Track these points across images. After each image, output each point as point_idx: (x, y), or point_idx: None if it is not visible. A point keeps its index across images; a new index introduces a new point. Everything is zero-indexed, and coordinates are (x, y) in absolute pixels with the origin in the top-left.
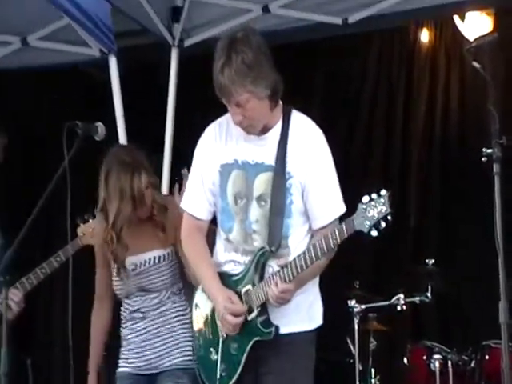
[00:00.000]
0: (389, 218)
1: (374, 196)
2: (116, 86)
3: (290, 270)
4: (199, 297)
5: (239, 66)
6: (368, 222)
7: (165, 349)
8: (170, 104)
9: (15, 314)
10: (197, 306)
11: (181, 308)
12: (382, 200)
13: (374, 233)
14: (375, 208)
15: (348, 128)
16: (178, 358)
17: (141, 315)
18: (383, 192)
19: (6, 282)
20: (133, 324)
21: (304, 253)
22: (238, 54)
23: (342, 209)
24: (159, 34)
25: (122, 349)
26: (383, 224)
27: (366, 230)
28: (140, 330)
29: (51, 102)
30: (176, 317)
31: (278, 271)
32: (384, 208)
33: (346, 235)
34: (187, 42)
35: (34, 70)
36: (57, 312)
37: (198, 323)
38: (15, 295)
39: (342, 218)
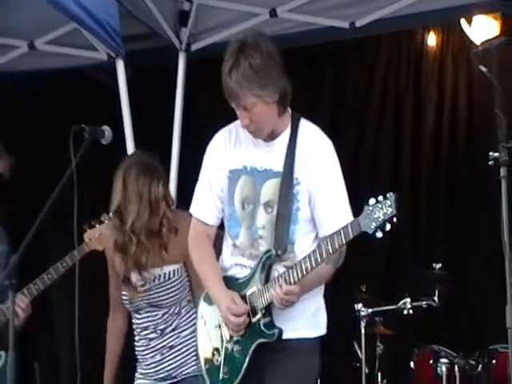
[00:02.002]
0: (394, 220)
1: (380, 198)
2: (123, 90)
3: (295, 272)
4: (202, 307)
5: (246, 70)
6: (373, 224)
7: (182, 358)
8: (177, 108)
9: (22, 320)
10: (201, 316)
11: (193, 317)
12: (389, 202)
13: (379, 234)
14: (381, 210)
15: (356, 132)
16: (193, 365)
17: (156, 335)
18: (390, 194)
19: (13, 286)
20: (148, 341)
21: (309, 255)
22: (246, 58)
23: (348, 218)
24: (167, 38)
25: (138, 363)
26: (388, 226)
27: (370, 232)
28: (155, 346)
29: (58, 106)
30: (190, 327)
31: (284, 273)
32: (390, 210)
33: (351, 236)
34: (194, 46)
35: (41, 74)
36: (64, 315)
37: (202, 334)
38: (22, 302)
39: None
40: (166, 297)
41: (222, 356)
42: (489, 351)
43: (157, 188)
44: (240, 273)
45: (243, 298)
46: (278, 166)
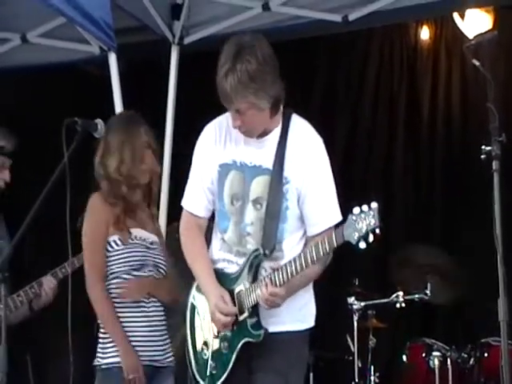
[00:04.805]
0: (377, 231)
1: (364, 208)
2: (116, 84)
3: (280, 275)
4: (196, 296)
5: (243, 76)
6: (356, 234)
7: (167, 343)
8: (169, 101)
9: (48, 300)
10: (193, 306)
11: None
12: (372, 213)
13: (363, 245)
14: (364, 220)
15: (349, 126)
16: (171, 355)
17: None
18: (374, 205)
19: (5, 280)
20: (139, 306)
21: (295, 259)
22: (242, 64)
23: (337, 217)
24: (159, 31)
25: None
26: (371, 237)
27: (354, 242)
28: (148, 312)
29: (50, 99)
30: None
31: (270, 274)
32: (373, 221)
33: (335, 245)
34: (187, 40)
35: (34, 67)
36: (56, 307)
37: (194, 322)
38: (51, 282)
39: (338, 226)
40: (164, 260)
41: (210, 351)
42: (481, 344)
43: (140, 134)
44: (227, 268)
45: (231, 294)
46: (268, 163)
